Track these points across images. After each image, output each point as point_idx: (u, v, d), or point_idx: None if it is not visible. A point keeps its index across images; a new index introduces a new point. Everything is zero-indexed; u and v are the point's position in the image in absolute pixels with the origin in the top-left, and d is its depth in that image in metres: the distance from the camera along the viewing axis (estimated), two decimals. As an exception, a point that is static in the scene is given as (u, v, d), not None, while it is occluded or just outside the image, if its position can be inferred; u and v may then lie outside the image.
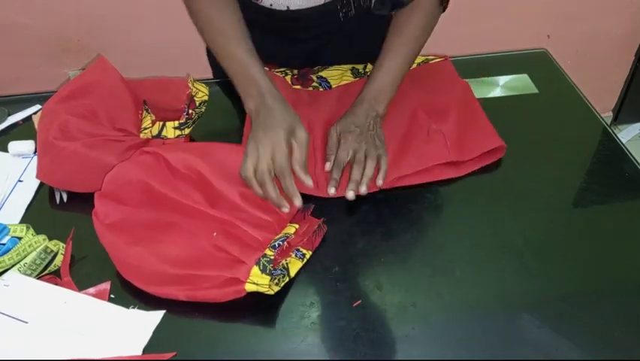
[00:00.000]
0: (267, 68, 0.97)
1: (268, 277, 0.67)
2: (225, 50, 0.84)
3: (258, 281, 0.66)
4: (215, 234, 0.71)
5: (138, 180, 0.74)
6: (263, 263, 0.67)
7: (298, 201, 0.74)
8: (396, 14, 0.88)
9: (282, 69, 0.99)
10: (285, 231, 0.73)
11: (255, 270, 0.67)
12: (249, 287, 0.66)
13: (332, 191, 0.79)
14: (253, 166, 0.74)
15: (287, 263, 0.71)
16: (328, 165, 0.82)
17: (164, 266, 0.68)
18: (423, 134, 0.87)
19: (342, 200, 0.80)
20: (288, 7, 0.89)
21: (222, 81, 1.02)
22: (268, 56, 1.00)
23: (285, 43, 0.99)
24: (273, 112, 0.78)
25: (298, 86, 0.97)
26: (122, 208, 0.73)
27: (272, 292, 0.67)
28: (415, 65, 1.00)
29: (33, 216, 0.80)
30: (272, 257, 0.68)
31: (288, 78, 0.98)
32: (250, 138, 0.77)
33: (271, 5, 0.89)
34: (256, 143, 0.76)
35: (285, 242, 0.71)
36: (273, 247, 0.70)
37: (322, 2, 0.89)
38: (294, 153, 0.76)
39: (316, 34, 0.98)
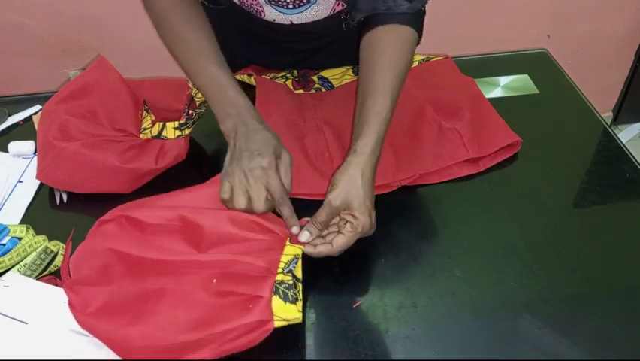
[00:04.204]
0: (268, 75, 0.98)
1: (294, 306, 0.62)
2: (199, 69, 0.79)
3: (287, 316, 0.61)
4: (214, 281, 0.64)
5: (107, 253, 0.66)
6: (282, 291, 0.62)
7: (297, 230, 0.70)
8: (378, 44, 0.80)
9: (283, 73, 0.99)
10: (292, 252, 0.67)
11: (277, 301, 0.62)
12: (278, 324, 0.62)
13: (295, 231, 0.70)
14: (247, 198, 0.69)
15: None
16: (306, 237, 0.70)
17: (178, 337, 0.60)
18: (434, 132, 0.88)
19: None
20: (291, 21, 0.89)
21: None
22: (265, 64, 1.01)
23: (284, 53, 0.99)
24: (255, 134, 0.72)
25: (300, 90, 0.97)
26: (101, 290, 0.64)
27: (300, 320, 0.62)
28: (416, 64, 1.00)
29: (33, 217, 0.80)
30: (291, 282, 0.63)
31: (289, 82, 0.98)
32: (232, 162, 0.71)
33: (274, 20, 0.89)
34: (243, 170, 0.69)
35: (297, 264, 0.66)
36: (289, 271, 0.64)
37: (325, 15, 0.89)
38: (282, 178, 0.71)
39: (317, 46, 0.98)
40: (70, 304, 0.64)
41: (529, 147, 0.89)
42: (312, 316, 0.68)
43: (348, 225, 0.69)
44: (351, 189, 0.70)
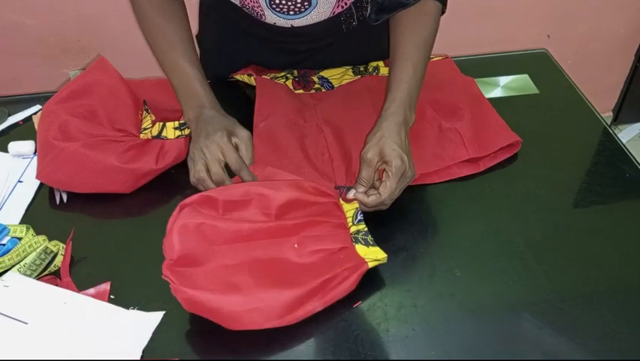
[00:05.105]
0: (268, 75, 0.98)
1: (376, 248, 0.70)
2: (171, 61, 0.85)
3: (376, 257, 0.69)
4: (295, 245, 0.68)
5: (198, 230, 0.68)
6: (361, 238, 0.70)
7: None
8: (399, 20, 0.85)
9: (283, 73, 0.99)
10: (351, 207, 0.75)
11: (360, 247, 0.70)
12: (372, 264, 0.69)
13: (351, 195, 0.76)
14: (205, 167, 0.76)
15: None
16: (352, 194, 0.76)
17: (282, 296, 0.64)
18: (434, 132, 0.88)
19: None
20: (292, 25, 0.89)
21: (222, 81, 1.02)
22: (265, 64, 1.01)
23: (284, 54, 0.99)
24: (212, 119, 0.80)
25: (300, 90, 0.97)
26: (201, 266, 0.66)
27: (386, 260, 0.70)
28: None
29: (33, 217, 0.80)
30: (364, 230, 0.71)
31: (290, 82, 0.98)
32: (192, 145, 0.80)
33: (274, 23, 0.89)
34: (200, 147, 0.77)
35: (362, 215, 0.73)
36: (359, 221, 0.72)
37: (326, 18, 0.89)
38: (239, 150, 0.79)
39: (317, 46, 0.98)
40: (173, 287, 0.64)
41: (529, 147, 0.89)
42: (312, 316, 0.68)
43: (385, 172, 0.75)
44: (379, 142, 0.76)
